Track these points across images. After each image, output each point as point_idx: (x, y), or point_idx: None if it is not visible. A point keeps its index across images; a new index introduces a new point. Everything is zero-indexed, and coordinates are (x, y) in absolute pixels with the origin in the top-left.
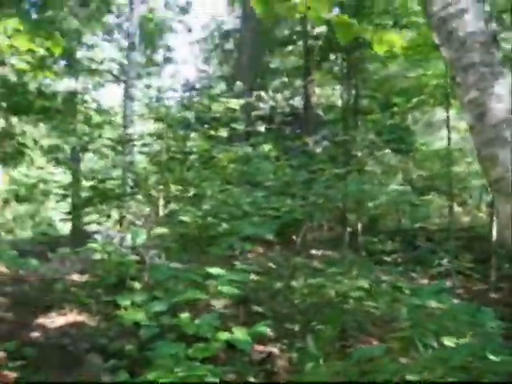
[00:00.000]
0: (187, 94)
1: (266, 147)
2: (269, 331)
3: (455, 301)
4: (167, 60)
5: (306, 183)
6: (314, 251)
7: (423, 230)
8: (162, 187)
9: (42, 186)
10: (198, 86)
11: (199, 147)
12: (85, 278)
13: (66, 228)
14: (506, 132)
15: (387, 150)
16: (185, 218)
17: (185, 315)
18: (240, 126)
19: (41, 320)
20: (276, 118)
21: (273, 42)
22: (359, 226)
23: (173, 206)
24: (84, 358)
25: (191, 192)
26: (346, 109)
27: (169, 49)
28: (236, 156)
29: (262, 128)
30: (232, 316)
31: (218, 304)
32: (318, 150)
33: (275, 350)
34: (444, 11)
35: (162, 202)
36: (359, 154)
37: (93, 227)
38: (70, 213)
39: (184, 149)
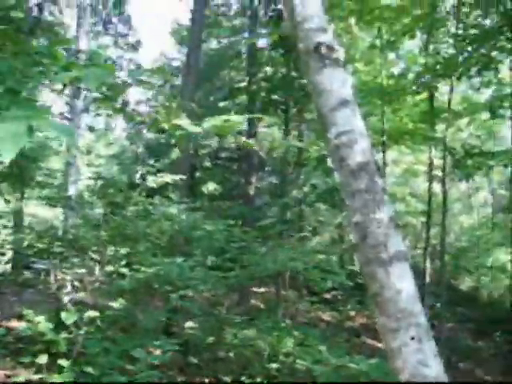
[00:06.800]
0: (135, 129)
1: (211, 185)
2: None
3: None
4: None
5: (241, 248)
6: (255, 288)
7: None
8: (99, 247)
9: None
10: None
11: (139, 203)
12: (22, 324)
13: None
14: (384, 254)
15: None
16: (124, 283)
17: None
18: (173, 195)
19: None
20: (223, 154)
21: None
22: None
23: (109, 267)
24: None
25: (126, 254)
26: (286, 158)
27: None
28: (172, 216)
29: (208, 163)
30: (170, 366)
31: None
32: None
33: None
34: (337, 140)
35: (99, 264)
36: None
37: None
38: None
39: (125, 203)
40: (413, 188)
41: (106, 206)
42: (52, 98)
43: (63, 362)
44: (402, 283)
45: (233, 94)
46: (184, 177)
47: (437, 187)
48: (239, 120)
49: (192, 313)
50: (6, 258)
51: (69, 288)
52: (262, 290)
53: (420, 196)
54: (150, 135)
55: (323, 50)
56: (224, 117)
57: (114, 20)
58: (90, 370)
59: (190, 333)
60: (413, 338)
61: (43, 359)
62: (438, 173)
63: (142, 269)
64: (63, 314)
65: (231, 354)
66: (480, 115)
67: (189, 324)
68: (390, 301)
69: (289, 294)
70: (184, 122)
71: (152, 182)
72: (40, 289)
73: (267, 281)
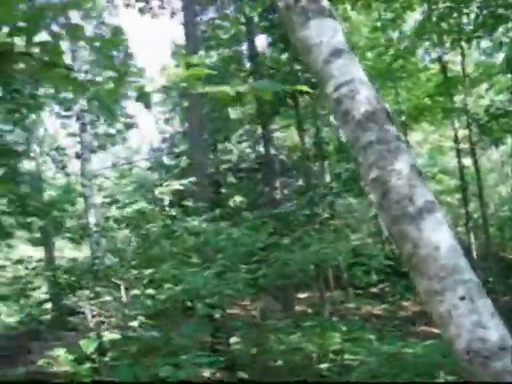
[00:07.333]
0: (153, 156)
1: (237, 198)
2: None
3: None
4: (129, 126)
5: (268, 248)
6: (299, 294)
7: None
8: (123, 273)
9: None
10: (163, 146)
11: (158, 222)
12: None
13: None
14: (410, 208)
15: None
16: (149, 303)
17: None
18: (189, 203)
19: None
20: (243, 166)
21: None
22: (342, 263)
23: (135, 291)
24: None
25: (149, 273)
26: (306, 154)
27: (126, 115)
28: (194, 229)
29: (231, 178)
30: None
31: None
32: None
33: None
34: (337, 92)
35: (123, 288)
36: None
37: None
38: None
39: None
40: (443, 166)
41: (129, 231)
42: (68, 141)
43: None
44: (437, 237)
45: (240, 99)
46: (194, 180)
47: (467, 161)
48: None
49: (234, 327)
50: (42, 296)
51: (106, 321)
52: (306, 295)
53: (452, 173)
54: (170, 161)
55: (304, 1)
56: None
57: (115, 53)
58: None
59: (235, 348)
60: (463, 298)
61: None
62: (466, 146)
63: (167, 286)
64: (82, 342)
65: (280, 362)
66: (498, 78)
67: (234, 339)
68: (427, 259)
69: (334, 294)
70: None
71: (160, 192)
72: (81, 329)
73: (311, 285)
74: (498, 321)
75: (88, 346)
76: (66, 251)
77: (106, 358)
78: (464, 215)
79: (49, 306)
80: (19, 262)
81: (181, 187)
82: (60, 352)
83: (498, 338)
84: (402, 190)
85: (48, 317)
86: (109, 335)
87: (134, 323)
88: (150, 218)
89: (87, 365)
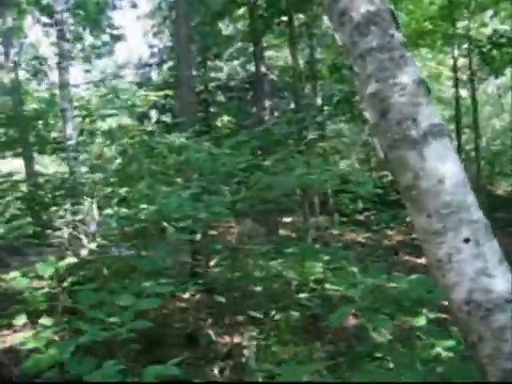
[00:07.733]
0: (141, 71)
1: (225, 118)
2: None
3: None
4: (116, 38)
5: (251, 169)
6: (284, 219)
7: (395, 185)
8: (98, 190)
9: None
10: (151, 61)
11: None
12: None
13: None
14: (413, 131)
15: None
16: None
17: None
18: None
19: None
20: (233, 84)
21: (213, 8)
22: (329, 190)
23: (108, 210)
24: None
25: (123, 192)
26: (298, 74)
27: (113, 27)
28: (173, 145)
29: (221, 97)
30: (195, 308)
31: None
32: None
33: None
34: None
35: (95, 207)
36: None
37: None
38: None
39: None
40: (438, 95)
41: (107, 146)
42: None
43: (45, 321)
44: (443, 167)
45: (229, 9)
46: (171, 92)
47: (463, 93)
48: None
49: (213, 250)
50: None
51: (84, 240)
52: (291, 219)
53: (446, 102)
54: (158, 77)
55: None
56: None
57: None
58: (80, 326)
59: (214, 271)
60: (467, 241)
61: (21, 320)
62: (464, 76)
63: (142, 206)
64: (39, 266)
65: (259, 288)
66: (504, 5)
67: (213, 262)
68: (429, 193)
69: (320, 219)
70: None
71: (132, 102)
72: (59, 245)
73: (296, 209)
74: (506, 269)
75: (45, 270)
76: (51, 167)
77: (65, 284)
78: (456, 146)
79: (27, 220)
80: None
81: (156, 98)
82: (15, 274)
83: (505, 289)
84: (405, 109)
85: (30, 231)
86: (69, 259)
87: (105, 243)
88: (129, 132)
89: (44, 290)
